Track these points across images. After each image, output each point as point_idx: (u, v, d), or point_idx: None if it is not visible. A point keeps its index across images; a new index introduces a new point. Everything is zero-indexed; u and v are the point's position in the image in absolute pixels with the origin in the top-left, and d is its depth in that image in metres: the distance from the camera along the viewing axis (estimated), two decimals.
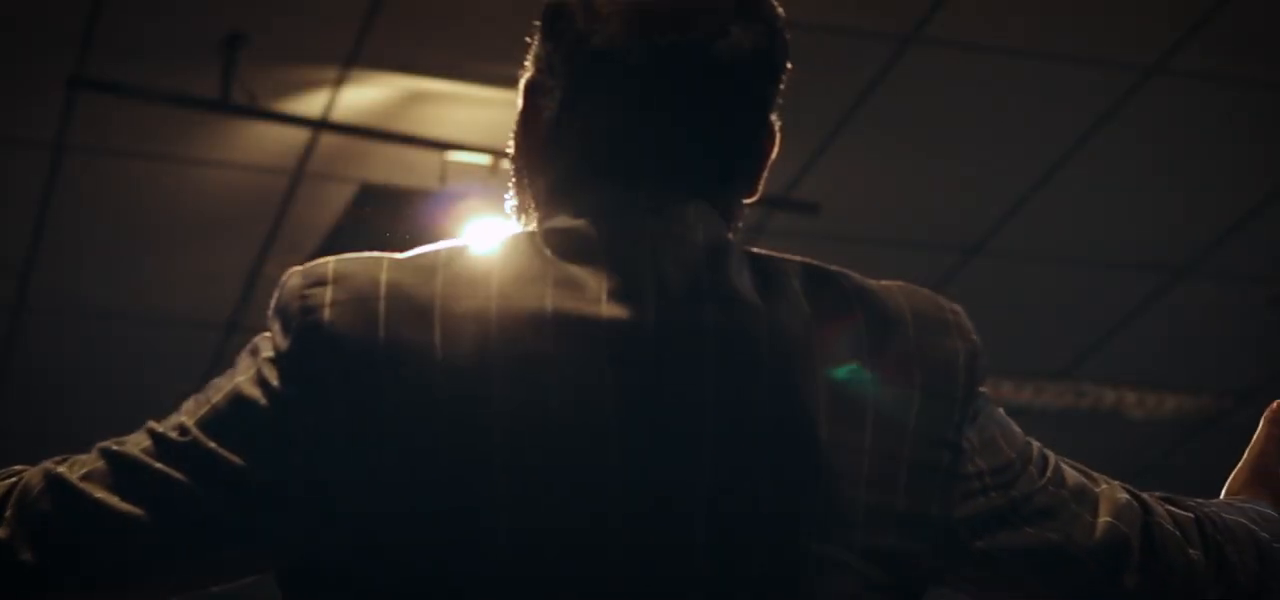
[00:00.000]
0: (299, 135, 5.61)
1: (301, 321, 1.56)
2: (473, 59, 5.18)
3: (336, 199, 5.96)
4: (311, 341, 1.55)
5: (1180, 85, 5.39)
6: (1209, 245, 6.24)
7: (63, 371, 6.71)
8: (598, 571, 1.52)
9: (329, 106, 5.46)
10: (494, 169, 5.46)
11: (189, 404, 1.59)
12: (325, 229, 6.03)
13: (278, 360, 1.56)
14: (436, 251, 1.60)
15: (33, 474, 1.58)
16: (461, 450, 1.52)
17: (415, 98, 5.36)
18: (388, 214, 5.81)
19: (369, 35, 5.10)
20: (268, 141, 5.66)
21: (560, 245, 1.60)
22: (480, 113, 5.39)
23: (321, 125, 5.54)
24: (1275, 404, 1.91)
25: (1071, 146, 5.71)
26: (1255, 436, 1.91)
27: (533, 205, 1.70)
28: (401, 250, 1.61)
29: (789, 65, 1.70)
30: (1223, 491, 1.89)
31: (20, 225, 5.99)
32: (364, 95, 5.41)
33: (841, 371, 1.60)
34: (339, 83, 5.34)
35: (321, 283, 1.57)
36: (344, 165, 5.78)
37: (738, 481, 1.55)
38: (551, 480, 1.52)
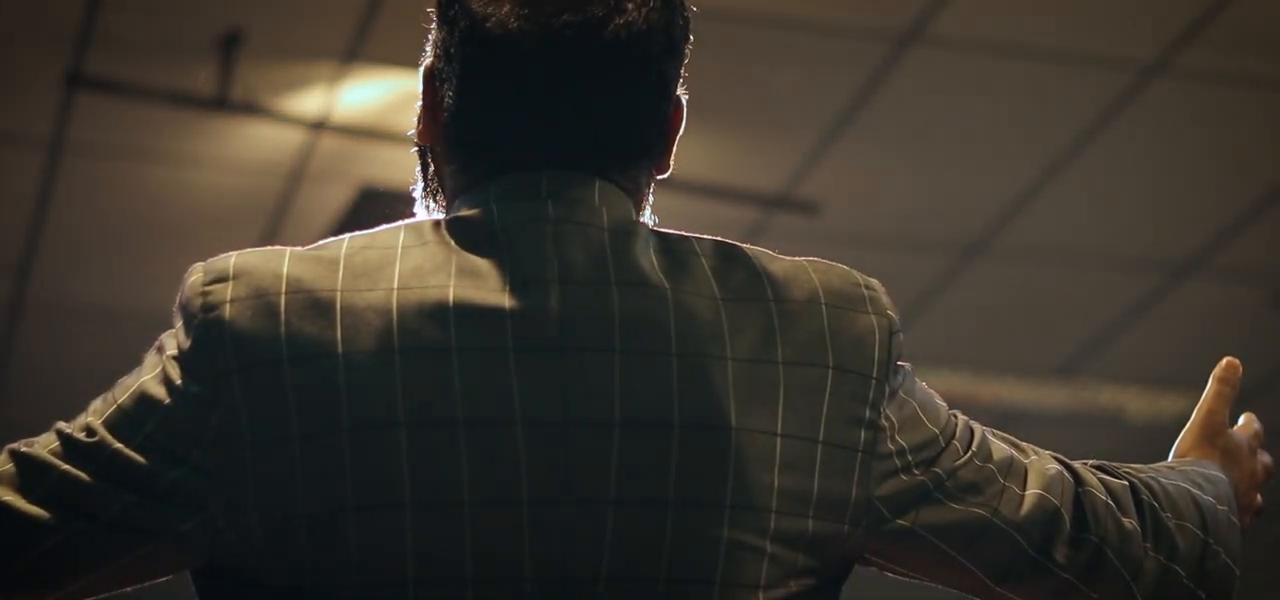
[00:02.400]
0: (298, 135, 5.61)
1: (202, 318, 1.55)
2: None
3: (336, 199, 5.96)
4: (211, 339, 1.54)
5: (1180, 85, 5.39)
6: (1209, 245, 6.24)
7: (61, 371, 6.70)
8: (508, 564, 1.51)
9: (328, 106, 5.45)
10: None
11: (97, 403, 1.58)
12: (325, 229, 6.03)
13: (180, 358, 1.55)
14: (340, 242, 1.60)
15: None
16: (366, 448, 1.51)
17: (415, 97, 5.34)
18: (387, 214, 5.79)
19: (369, 33, 5.09)
20: (267, 141, 5.65)
21: (462, 235, 1.59)
22: None
23: (321, 125, 5.53)
24: (1225, 361, 1.89)
25: (1071, 146, 5.71)
26: (1204, 394, 1.88)
27: (439, 193, 1.70)
28: None
29: (691, 38, 1.68)
30: (1171, 453, 1.86)
31: (17, 225, 5.98)
32: (364, 94, 5.40)
33: (752, 352, 1.57)
34: (338, 82, 5.34)
35: (222, 279, 1.56)
36: (344, 165, 5.78)
37: (647, 469, 1.53)
38: (458, 474, 1.51)
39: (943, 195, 6.00)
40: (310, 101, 5.44)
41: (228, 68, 5.22)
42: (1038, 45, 5.25)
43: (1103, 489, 1.70)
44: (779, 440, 1.57)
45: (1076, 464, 1.72)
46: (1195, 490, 1.76)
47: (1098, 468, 1.73)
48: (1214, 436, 1.86)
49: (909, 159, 5.82)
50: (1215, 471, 1.81)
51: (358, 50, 5.18)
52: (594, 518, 1.52)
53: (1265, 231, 6.14)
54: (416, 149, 1.74)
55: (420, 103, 1.71)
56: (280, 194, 5.91)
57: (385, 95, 5.40)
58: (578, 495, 1.52)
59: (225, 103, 5.30)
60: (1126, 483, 1.72)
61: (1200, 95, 5.46)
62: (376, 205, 5.84)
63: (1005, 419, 7.00)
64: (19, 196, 5.84)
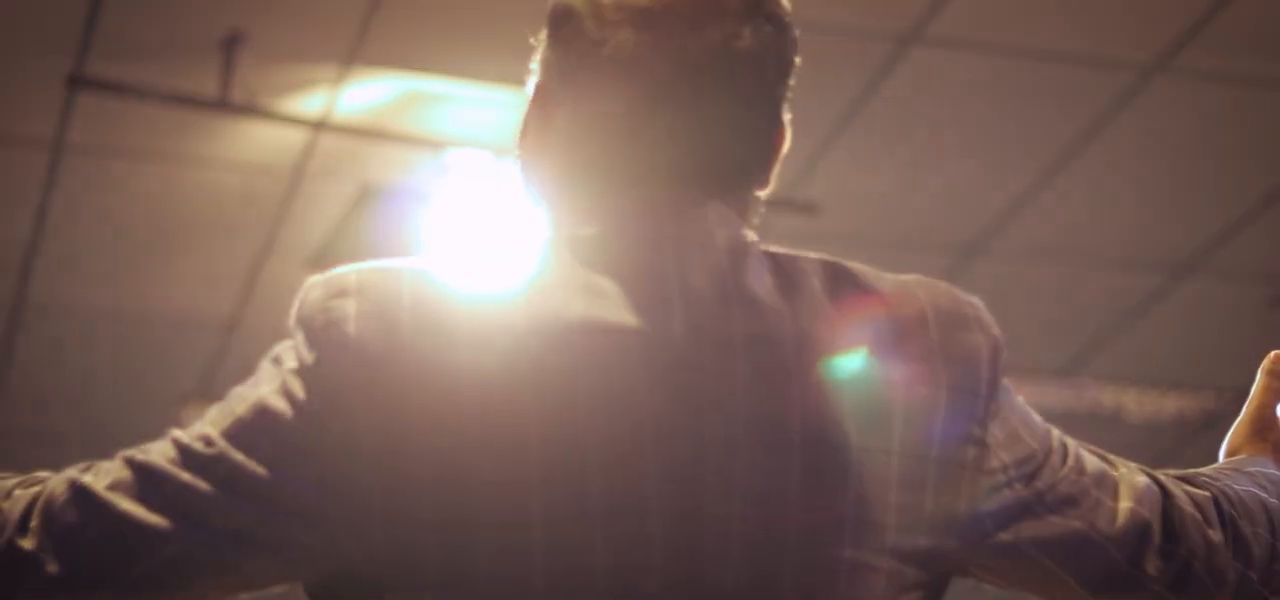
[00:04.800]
0: (299, 135, 5.61)
1: (326, 334, 1.55)
2: (473, 58, 5.17)
3: (336, 199, 5.96)
4: (336, 354, 1.54)
5: (1180, 85, 5.39)
6: (1209, 245, 6.24)
7: (61, 371, 6.70)
8: (637, 583, 1.52)
9: (329, 106, 5.46)
10: (495, 168, 5.45)
11: (213, 413, 1.57)
12: (325, 229, 6.03)
13: (302, 372, 1.55)
14: (458, 260, 1.59)
15: (57, 483, 1.56)
16: (495, 465, 1.51)
17: (415, 97, 5.35)
18: (388, 214, 5.80)
19: (369, 34, 5.09)
20: (267, 141, 5.65)
21: (582, 253, 1.59)
22: (481, 112, 5.38)
23: (321, 126, 5.53)
24: (1274, 355, 1.91)
25: (1071, 146, 5.71)
26: (1254, 389, 1.90)
27: (545, 209, 1.70)
28: (402, 251, 1.60)
29: (797, 60, 1.71)
30: (1223, 447, 1.89)
31: (19, 225, 5.98)
32: (364, 95, 5.40)
33: (867, 372, 1.60)
34: (339, 82, 5.34)
35: (344, 294, 1.56)
36: (344, 165, 5.78)
37: (771, 490, 1.55)
38: (588, 492, 1.51)
39: (943, 195, 6.00)
40: (311, 102, 5.44)
41: (229, 68, 5.23)
42: (1038, 45, 5.25)
43: (1189, 501, 1.73)
44: (895, 458, 1.59)
45: (1161, 475, 1.75)
46: (1263, 495, 1.79)
47: (1181, 478, 1.76)
48: (1265, 431, 1.88)
49: (909, 159, 5.82)
50: (1274, 470, 1.84)
51: (358, 51, 5.18)
52: (720, 535, 1.53)
53: (1265, 231, 6.14)
54: (520, 165, 1.72)
55: (525, 118, 1.70)
56: (281, 194, 5.90)
57: (386, 96, 5.39)
58: (704, 513, 1.53)
59: (226, 103, 5.30)
60: (1209, 493, 1.75)
61: (1200, 95, 5.46)
62: (376, 205, 5.84)
63: None
64: (20, 196, 5.84)
